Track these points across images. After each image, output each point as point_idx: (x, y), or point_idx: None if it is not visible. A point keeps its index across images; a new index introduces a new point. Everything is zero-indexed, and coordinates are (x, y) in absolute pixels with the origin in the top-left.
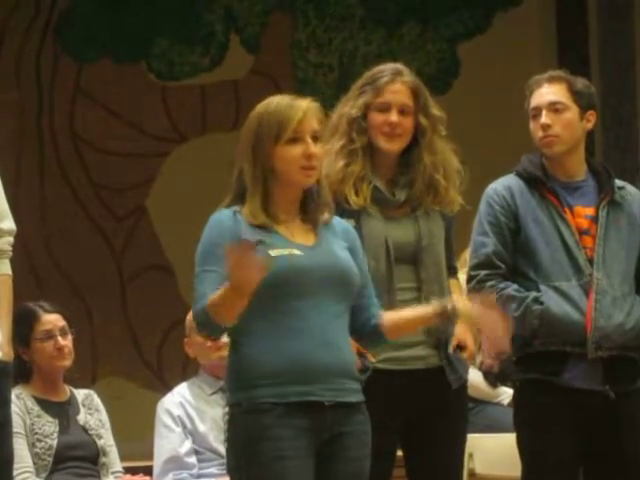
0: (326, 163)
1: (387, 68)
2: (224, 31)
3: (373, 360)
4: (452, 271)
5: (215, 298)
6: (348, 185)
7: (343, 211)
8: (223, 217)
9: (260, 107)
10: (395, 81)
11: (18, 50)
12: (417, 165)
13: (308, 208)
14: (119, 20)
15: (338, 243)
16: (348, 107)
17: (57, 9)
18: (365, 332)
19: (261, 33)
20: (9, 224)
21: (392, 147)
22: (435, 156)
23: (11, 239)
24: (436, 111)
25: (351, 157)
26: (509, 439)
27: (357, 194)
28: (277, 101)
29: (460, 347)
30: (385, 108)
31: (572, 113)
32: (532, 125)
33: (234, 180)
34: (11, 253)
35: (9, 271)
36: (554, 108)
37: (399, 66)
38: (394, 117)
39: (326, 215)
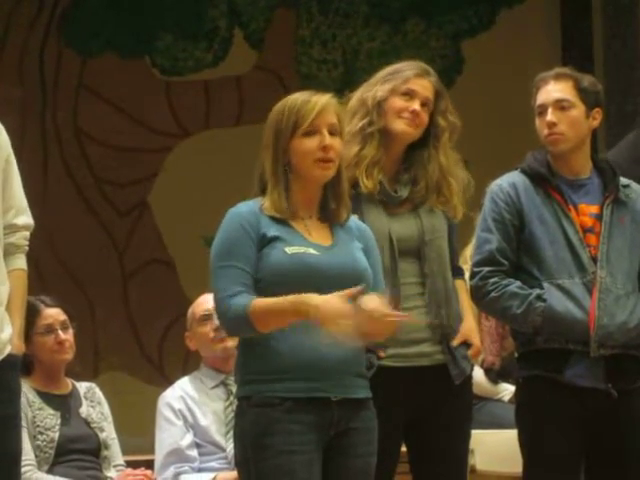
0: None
1: (414, 64)
2: (228, 26)
3: (383, 355)
4: (457, 272)
5: (269, 309)
6: (360, 169)
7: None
8: (242, 210)
9: (280, 103)
10: (423, 76)
11: (22, 45)
12: (427, 165)
13: (327, 207)
14: (123, 15)
15: (354, 244)
16: (372, 91)
17: (61, 4)
18: None
19: (265, 29)
20: (25, 219)
21: (410, 131)
22: (448, 159)
23: (27, 234)
24: (454, 119)
25: (366, 140)
26: (510, 435)
27: (368, 178)
28: (296, 96)
29: (466, 344)
30: (409, 96)
31: (578, 111)
32: (538, 122)
33: (256, 177)
34: (27, 248)
35: (24, 266)
36: (560, 106)
37: (426, 66)
38: (417, 106)
39: (344, 215)
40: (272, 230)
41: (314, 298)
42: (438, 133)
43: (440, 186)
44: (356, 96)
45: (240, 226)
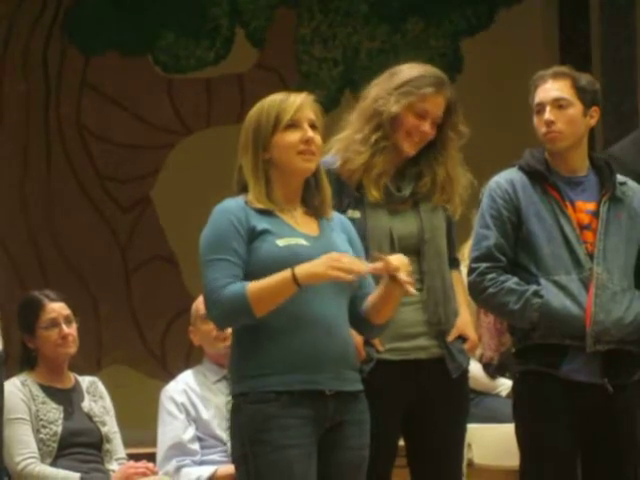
0: (352, 147)
1: (432, 75)
2: (230, 25)
3: (381, 349)
4: (453, 263)
5: (264, 287)
6: (368, 177)
7: (350, 200)
8: (230, 205)
9: (256, 105)
10: (439, 94)
11: (25, 43)
12: (433, 164)
13: (309, 200)
14: (125, 14)
15: (339, 235)
16: (390, 102)
17: (64, 3)
18: (358, 321)
19: (266, 27)
20: None
21: (411, 152)
22: (454, 161)
23: None
24: (464, 128)
25: (378, 152)
26: (507, 430)
27: (375, 187)
28: (273, 96)
29: (462, 338)
30: (422, 115)
31: (576, 109)
32: (536, 120)
33: (236, 178)
34: None
35: None
36: (558, 104)
37: (442, 75)
38: (427, 127)
39: (328, 210)
40: (261, 223)
41: (303, 264)
42: (446, 143)
43: (444, 184)
44: (371, 97)
45: (229, 221)
